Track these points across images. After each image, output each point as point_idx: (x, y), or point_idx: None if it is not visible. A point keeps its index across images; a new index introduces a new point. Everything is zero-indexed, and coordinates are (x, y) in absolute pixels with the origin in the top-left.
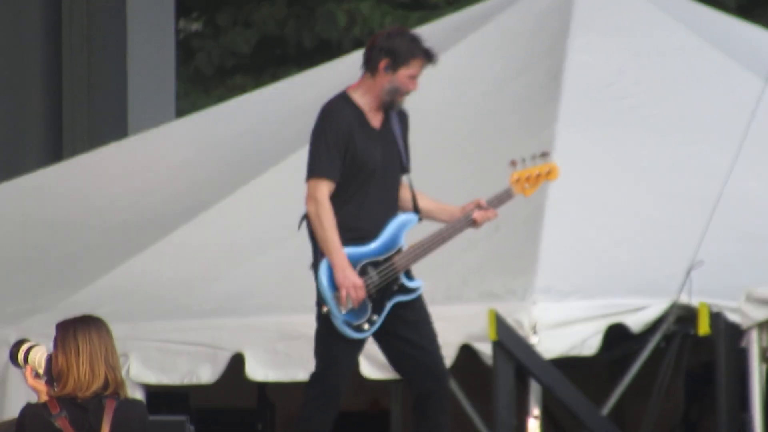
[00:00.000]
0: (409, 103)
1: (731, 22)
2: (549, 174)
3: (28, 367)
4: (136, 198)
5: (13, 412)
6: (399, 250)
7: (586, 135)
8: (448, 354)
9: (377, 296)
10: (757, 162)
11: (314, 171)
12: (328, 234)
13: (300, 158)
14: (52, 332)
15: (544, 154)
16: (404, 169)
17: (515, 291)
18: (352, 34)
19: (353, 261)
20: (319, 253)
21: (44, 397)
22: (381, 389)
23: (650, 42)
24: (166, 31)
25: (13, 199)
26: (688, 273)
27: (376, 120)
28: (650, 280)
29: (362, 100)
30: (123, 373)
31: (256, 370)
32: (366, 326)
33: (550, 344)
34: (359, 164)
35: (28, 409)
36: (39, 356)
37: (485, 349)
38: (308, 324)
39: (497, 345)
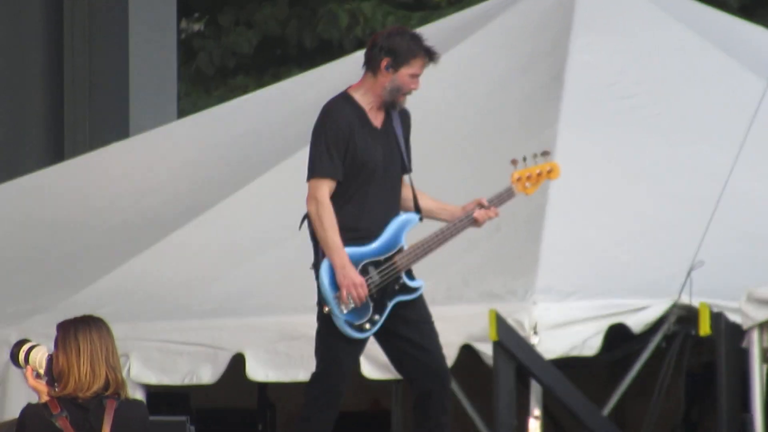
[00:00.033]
0: (411, 103)
1: (733, 23)
2: (550, 173)
3: (29, 368)
4: (137, 198)
5: (13, 412)
6: (400, 250)
7: (588, 135)
8: (449, 354)
9: (378, 296)
10: (757, 162)
11: (315, 171)
12: (328, 234)
13: (301, 159)
14: (53, 332)
15: (545, 153)
16: (405, 169)
17: (516, 291)
18: (354, 34)
19: (354, 261)
20: (320, 253)
21: (45, 398)
22: (381, 389)
23: (652, 42)
24: (167, 31)
25: (14, 200)
26: (689, 273)
27: (377, 119)
28: (651, 281)
29: (363, 99)
30: (123, 373)
31: (257, 371)
32: (367, 326)
33: (550, 344)
34: (360, 164)
35: (29, 410)
36: (40, 356)
37: (486, 349)
38: (309, 324)
39: (498, 345)
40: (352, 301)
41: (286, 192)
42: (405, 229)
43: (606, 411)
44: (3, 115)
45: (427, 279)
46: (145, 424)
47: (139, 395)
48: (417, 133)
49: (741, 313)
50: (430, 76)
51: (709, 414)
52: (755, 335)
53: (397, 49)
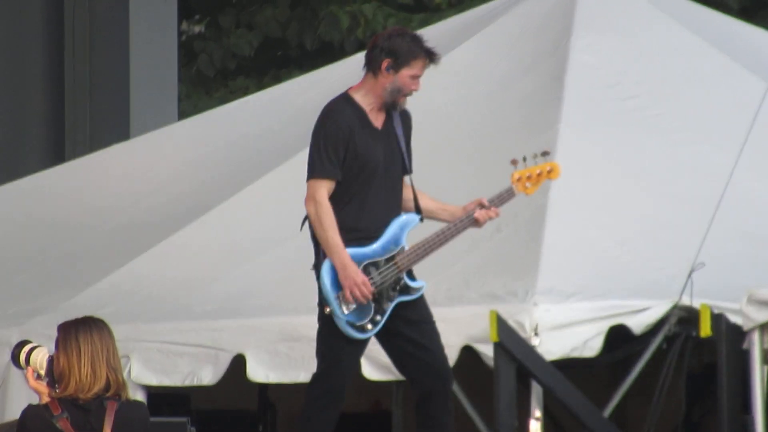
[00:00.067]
0: (412, 104)
1: (734, 24)
2: (550, 173)
3: (30, 369)
4: (138, 199)
5: (14, 413)
6: (401, 250)
7: (589, 135)
8: (450, 355)
9: (380, 296)
10: (758, 163)
11: (314, 171)
12: (328, 234)
13: (301, 160)
14: (54, 333)
15: (545, 153)
16: (406, 169)
17: (516, 292)
18: (355, 36)
19: (355, 262)
20: (321, 254)
21: (46, 399)
22: (382, 390)
23: (652, 43)
24: (168, 33)
25: (15, 201)
26: (689, 274)
27: (378, 120)
28: (652, 282)
29: (364, 100)
30: (124, 374)
31: (257, 372)
32: (369, 326)
33: (551, 346)
34: (360, 164)
35: (30, 411)
36: (41, 357)
37: (487, 350)
38: (309, 325)
39: (498, 346)
40: (356, 300)
41: (287, 193)
42: (406, 230)
43: (607, 412)
44: (3, 115)
45: (428, 280)
46: (145, 425)
47: (139, 396)
48: (418, 134)
49: (742, 314)
50: (432, 77)
51: (710, 415)
52: (756, 336)
53: (397, 50)
